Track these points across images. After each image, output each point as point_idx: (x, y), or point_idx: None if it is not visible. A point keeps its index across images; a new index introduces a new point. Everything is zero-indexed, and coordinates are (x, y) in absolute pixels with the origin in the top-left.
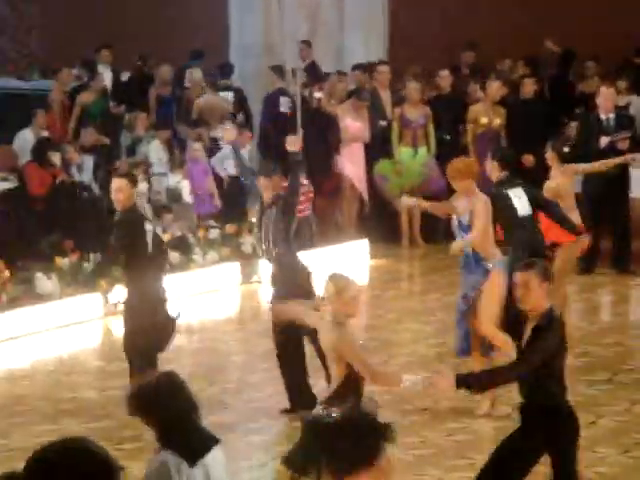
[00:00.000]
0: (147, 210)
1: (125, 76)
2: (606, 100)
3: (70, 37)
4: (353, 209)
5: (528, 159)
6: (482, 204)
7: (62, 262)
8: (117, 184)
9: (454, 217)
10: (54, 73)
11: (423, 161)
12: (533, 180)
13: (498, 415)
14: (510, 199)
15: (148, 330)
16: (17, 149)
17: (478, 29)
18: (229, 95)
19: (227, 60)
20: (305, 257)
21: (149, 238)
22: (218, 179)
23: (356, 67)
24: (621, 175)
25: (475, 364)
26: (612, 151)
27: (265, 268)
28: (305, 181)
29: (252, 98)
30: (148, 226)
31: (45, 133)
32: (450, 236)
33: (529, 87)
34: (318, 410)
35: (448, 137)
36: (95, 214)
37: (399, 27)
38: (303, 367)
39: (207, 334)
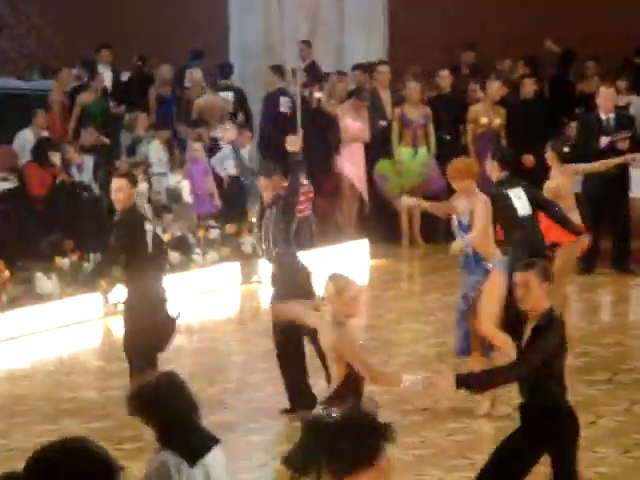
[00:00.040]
0: (147, 210)
1: (125, 76)
2: (606, 100)
3: (70, 37)
4: (353, 209)
5: (528, 159)
6: (482, 204)
7: (62, 262)
8: (117, 184)
9: (454, 217)
10: (54, 73)
11: (423, 161)
12: (533, 180)
13: (498, 415)
14: (510, 199)
15: (148, 330)
16: (17, 149)
17: (478, 29)
18: (229, 95)
19: (227, 60)
20: (305, 257)
21: (149, 238)
22: (218, 179)
23: (356, 67)
24: (621, 175)
25: (475, 364)
26: (612, 151)
27: (265, 268)
28: (305, 181)
29: (252, 98)
30: (148, 226)
31: (45, 133)
32: (450, 236)
33: (529, 87)
34: (318, 410)
35: (448, 137)
36: (95, 214)
37: (399, 27)
38: (303, 367)
39: (207, 334)
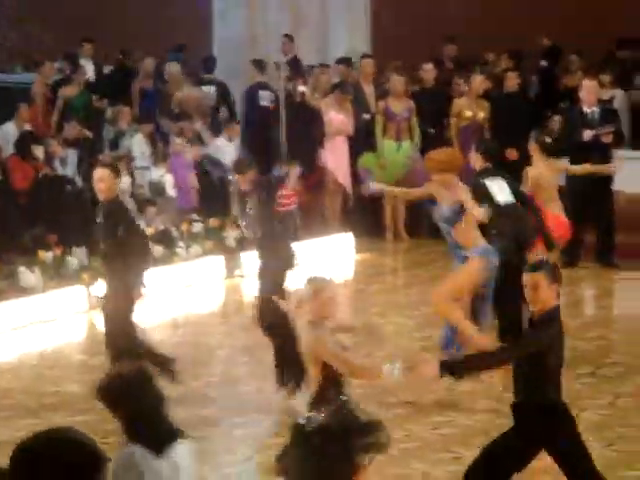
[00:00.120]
0: (130, 205)
1: (107, 69)
2: (589, 93)
3: (53, 30)
4: (337, 203)
5: (512, 153)
6: (467, 194)
7: (45, 256)
8: (99, 174)
9: (436, 208)
10: (37, 66)
11: (407, 154)
12: (516, 173)
13: (483, 409)
14: (487, 188)
15: (129, 332)
16: (0, 143)
17: (461, 22)
18: (211, 89)
19: (210, 54)
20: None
21: (142, 225)
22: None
23: (340, 61)
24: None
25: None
26: (596, 145)
27: (249, 262)
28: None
29: (237, 92)
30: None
31: (28, 127)
32: (434, 230)
33: (512, 81)
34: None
35: (432, 130)
36: (78, 208)
37: (382, 20)
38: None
39: (191, 328)
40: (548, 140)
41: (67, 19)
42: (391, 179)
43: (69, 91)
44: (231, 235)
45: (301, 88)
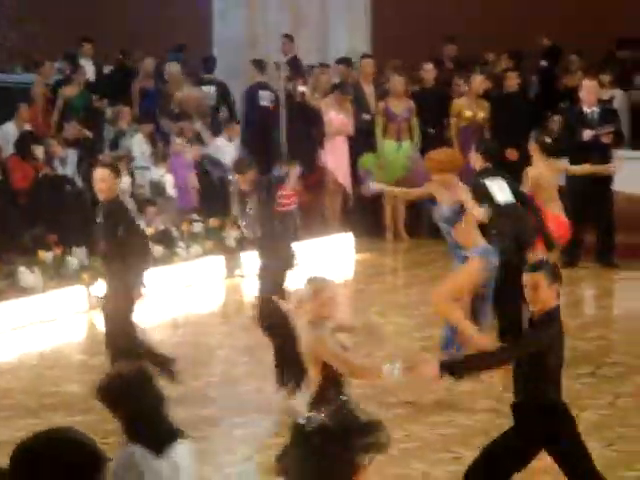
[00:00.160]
0: (130, 205)
1: (107, 69)
2: (589, 93)
3: (53, 30)
4: (337, 203)
5: (512, 153)
6: (467, 194)
7: (45, 256)
8: (100, 174)
9: (436, 208)
10: (37, 66)
11: (407, 154)
12: (516, 174)
13: (482, 409)
14: (487, 188)
15: (129, 332)
16: (0, 143)
17: (462, 23)
18: (211, 89)
19: (210, 54)
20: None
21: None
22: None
23: (340, 61)
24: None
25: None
26: (596, 145)
27: (249, 262)
28: (296, 175)
29: (237, 92)
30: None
31: (28, 127)
32: (434, 230)
33: (512, 81)
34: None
35: (432, 131)
36: (78, 208)
37: (382, 20)
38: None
39: (191, 328)
40: (548, 140)
41: (67, 19)
42: (391, 179)
43: (69, 91)
44: (231, 235)
45: (301, 88)
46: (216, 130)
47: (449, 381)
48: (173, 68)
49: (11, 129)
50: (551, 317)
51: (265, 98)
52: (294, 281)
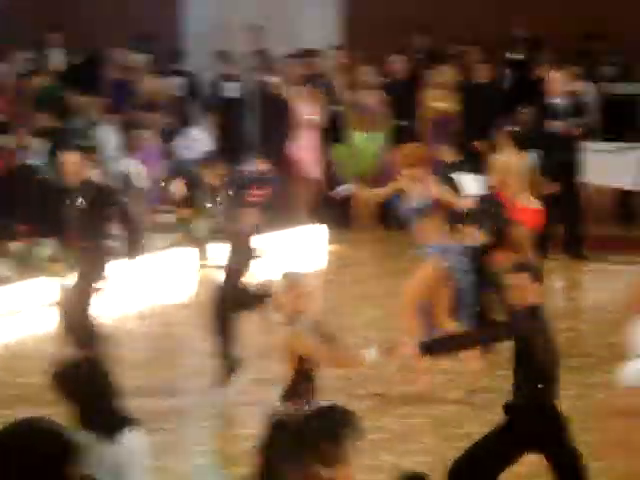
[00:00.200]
0: None
1: (77, 60)
2: (554, 84)
3: (22, 20)
4: (308, 194)
5: (482, 145)
6: (441, 189)
7: (15, 246)
8: (68, 158)
9: (402, 202)
10: (6, 56)
11: (378, 145)
12: (487, 165)
13: (452, 399)
14: (454, 181)
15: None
16: None
17: (433, 13)
18: (180, 80)
19: (180, 45)
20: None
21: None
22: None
23: (310, 52)
24: (571, 161)
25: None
26: (565, 136)
27: (218, 253)
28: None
29: (207, 83)
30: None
31: None
32: (404, 222)
33: (483, 71)
34: (283, 409)
35: (403, 122)
36: (49, 198)
37: (353, 12)
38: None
39: (161, 319)
40: (517, 130)
41: (34, 8)
42: (363, 171)
43: (39, 81)
44: (201, 226)
45: (271, 79)
46: (186, 121)
47: (428, 361)
48: (142, 59)
49: None
50: (533, 312)
51: (230, 89)
52: (262, 273)
